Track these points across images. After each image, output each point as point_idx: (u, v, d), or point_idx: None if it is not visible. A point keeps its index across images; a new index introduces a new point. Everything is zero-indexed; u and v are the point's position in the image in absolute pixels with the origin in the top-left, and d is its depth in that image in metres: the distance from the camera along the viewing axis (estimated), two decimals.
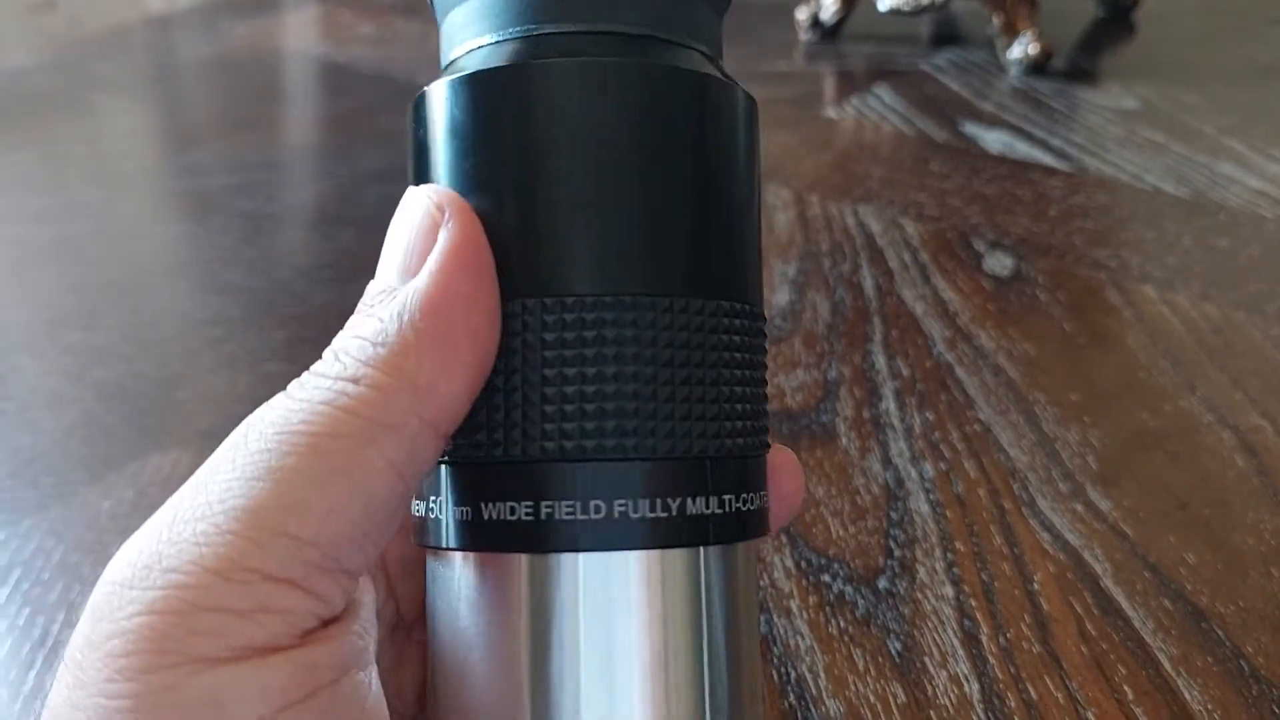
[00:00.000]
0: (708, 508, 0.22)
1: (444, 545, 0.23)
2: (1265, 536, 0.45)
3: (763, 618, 0.42)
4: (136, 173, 0.90)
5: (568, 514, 0.22)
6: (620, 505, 0.22)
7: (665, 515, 0.22)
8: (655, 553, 0.22)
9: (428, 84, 0.23)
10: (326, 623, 0.20)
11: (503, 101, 0.22)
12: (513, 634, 0.22)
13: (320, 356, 0.22)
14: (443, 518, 0.23)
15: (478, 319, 0.21)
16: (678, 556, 0.22)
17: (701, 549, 0.23)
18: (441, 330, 0.21)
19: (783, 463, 0.27)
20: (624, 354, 0.21)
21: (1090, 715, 0.37)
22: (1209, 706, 0.37)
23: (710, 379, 0.22)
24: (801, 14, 1.10)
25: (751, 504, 0.24)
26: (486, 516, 0.22)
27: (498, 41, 0.23)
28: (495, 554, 0.22)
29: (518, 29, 0.23)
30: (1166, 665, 0.39)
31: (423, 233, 0.22)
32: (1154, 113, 0.88)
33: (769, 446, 0.25)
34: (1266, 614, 0.41)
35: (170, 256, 0.75)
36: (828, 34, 1.09)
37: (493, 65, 0.22)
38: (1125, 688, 0.38)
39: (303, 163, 0.90)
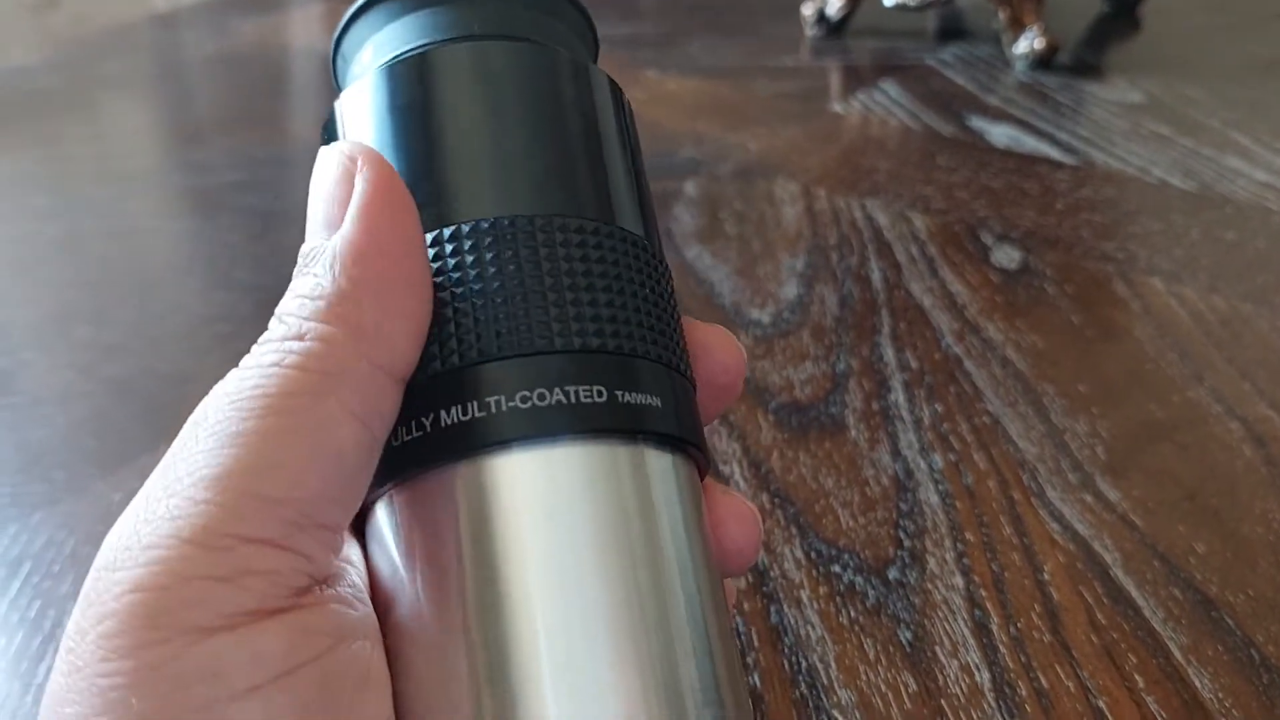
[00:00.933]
0: (638, 399, 0.23)
1: (380, 485, 0.22)
2: (1274, 526, 0.45)
3: (773, 608, 0.42)
4: (143, 170, 0.90)
5: (496, 407, 0.21)
6: (549, 393, 0.22)
7: (597, 400, 0.22)
8: (597, 446, 0.22)
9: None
10: (317, 585, 0.20)
11: (404, 83, 0.25)
12: (452, 553, 0.21)
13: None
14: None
15: (408, 256, 0.22)
16: (620, 451, 0.22)
17: (645, 449, 0.23)
18: (375, 272, 0.21)
19: (718, 340, 0.27)
20: (528, 262, 0.23)
21: (1101, 704, 0.38)
22: (1220, 695, 0.38)
23: (604, 286, 0.23)
24: (807, 9, 1.10)
25: (688, 424, 0.24)
26: (410, 434, 0.22)
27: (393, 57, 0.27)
28: (426, 477, 0.22)
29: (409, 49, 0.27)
30: (1177, 654, 0.39)
31: (340, 183, 0.22)
32: (1160, 107, 0.88)
33: (691, 381, 0.26)
34: (1276, 603, 0.41)
35: (178, 253, 0.75)
36: (833, 29, 1.09)
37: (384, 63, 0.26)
38: (1136, 676, 0.38)
39: (309, 159, 0.89)
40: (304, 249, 0.22)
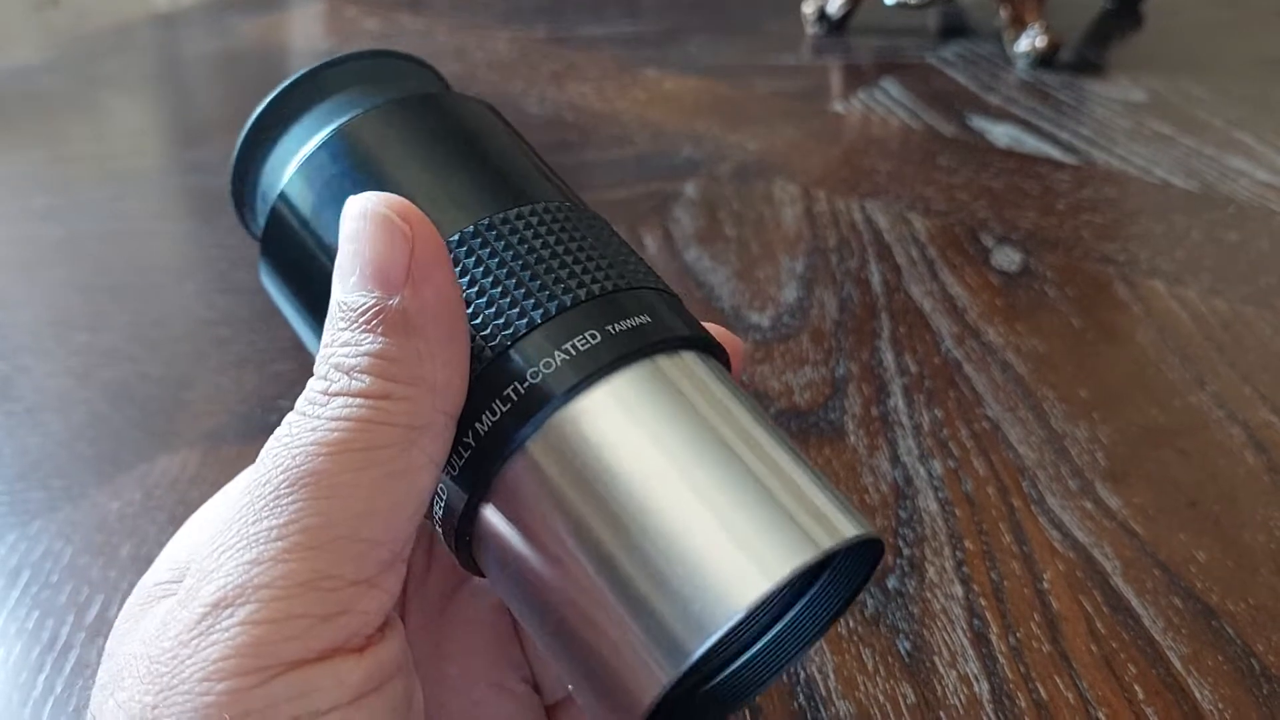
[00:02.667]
0: (651, 319, 0.25)
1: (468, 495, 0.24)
2: (1275, 533, 0.44)
3: None
4: (142, 171, 0.90)
5: (545, 368, 0.23)
6: (573, 344, 0.24)
7: (620, 331, 0.24)
8: (640, 365, 0.24)
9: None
10: (390, 619, 0.23)
11: (349, 148, 0.29)
12: (580, 507, 0.23)
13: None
14: (454, 491, 0.24)
15: (461, 312, 0.24)
16: (661, 360, 0.24)
17: (678, 354, 0.25)
18: (444, 332, 0.23)
19: (714, 333, 0.28)
20: (515, 252, 0.25)
21: (1101, 715, 0.37)
22: (1219, 706, 0.37)
23: (575, 248, 0.26)
24: (808, 8, 1.09)
25: (695, 328, 0.26)
26: (480, 433, 0.24)
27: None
28: (511, 464, 0.23)
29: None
30: (1177, 664, 0.39)
31: (392, 242, 0.23)
32: (1162, 105, 0.87)
33: (674, 294, 0.27)
34: (1276, 612, 0.41)
35: (177, 256, 0.75)
36: (834, 27, 1.09)
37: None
38: (1135, 687, 0.38)
39: None
40: (353, 301, 0.23)
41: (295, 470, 0.21)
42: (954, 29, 1.09)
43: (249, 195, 0.32)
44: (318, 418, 0.22)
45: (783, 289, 0.64)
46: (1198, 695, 0.38)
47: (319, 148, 0.28)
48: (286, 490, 0.21)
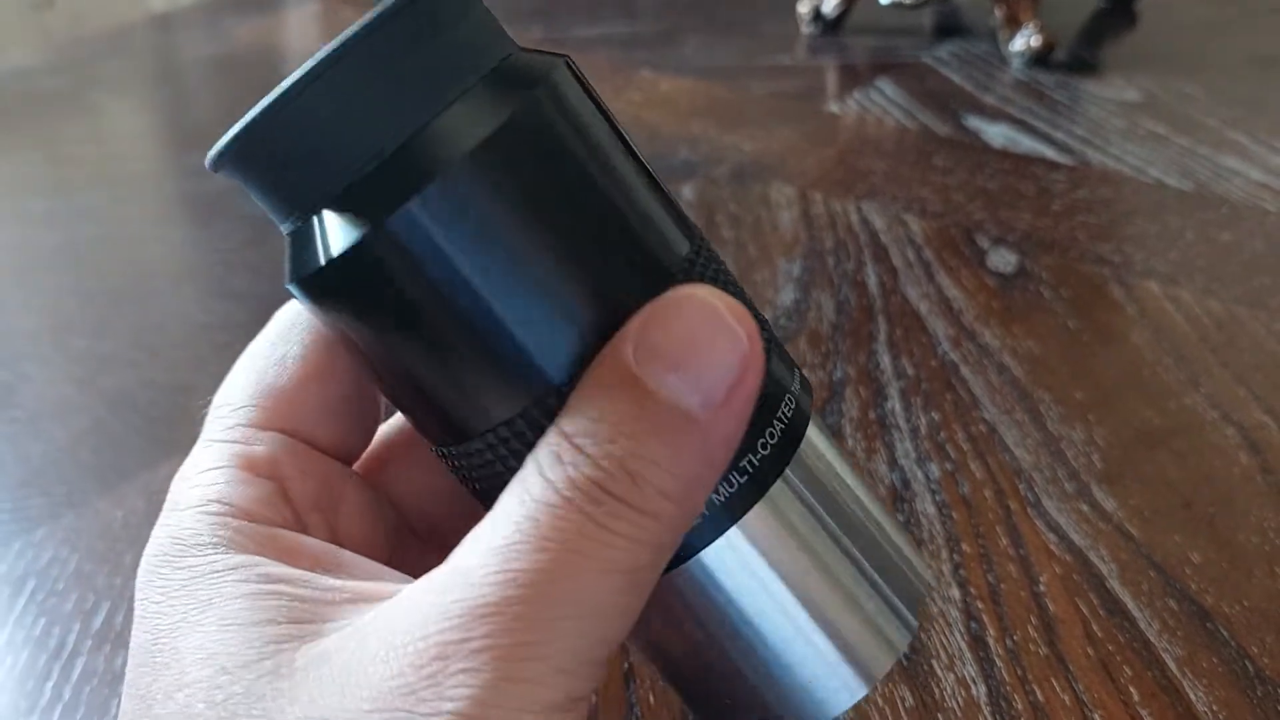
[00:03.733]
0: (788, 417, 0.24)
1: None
2: (1269, 535, 0.45)
3: None
4: (140, 175, 0.91)
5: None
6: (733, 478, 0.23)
7: (763, 454, 0.24)
8: (750, 517, 0.24)
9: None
10: None
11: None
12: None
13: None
14: None
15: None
16: (788, 471, 0.24)
17: (803, 440, 0.25)
18: (725, 461, 0.21)
19: None
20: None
21: (1097, 717, 0.38)
22: (1214, 708, 0.38)
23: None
24: (803, 7, 1.10)
25: (807, 388, 0.26)
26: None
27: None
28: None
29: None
30: (1172, 666, 0.39)
31: (734, 362, 0.20)
32: (1156, 105, 0.88)
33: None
34: (1271, 614, 0.41)
35: (176, 261, 0.76)
36: (829, 27, 1.09)
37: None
38: (1131, 689, 0.39)
39: None
40: (669, 396, 0.20)
41: (558, 581, 0.19)
42: (949, 28, 1.10)
43: (283, 176, 0.22)
44: (589, 519, 0.20)
45: (780, 292, 0.65)
46: (1193, 697, 0.38)
47: (477, 164, 0.20)
48: (547, 606, 0.19)
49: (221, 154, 0.21)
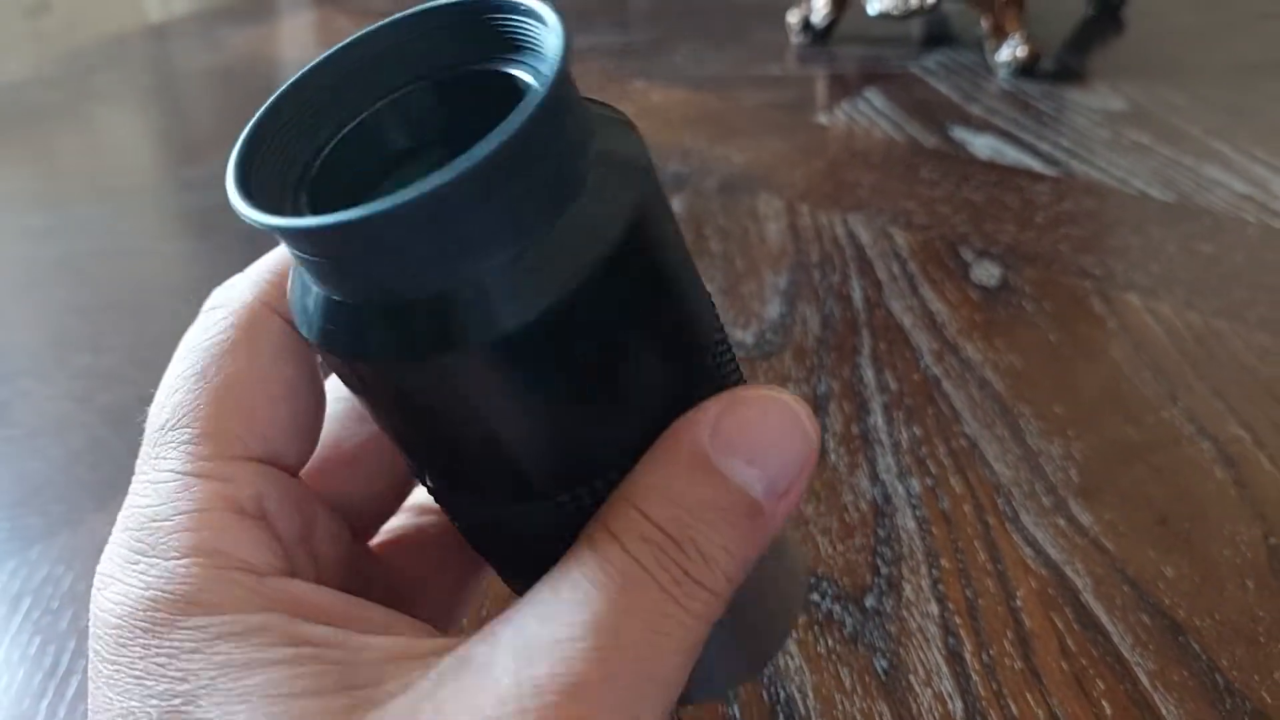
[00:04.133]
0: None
1: None
2: (1241, 549, 0.46)
3: None
4: (137, 189, 0.91)
5: None
6: None
7: None
8: None
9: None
10: None
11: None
12: None
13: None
14: None
15: None
16: None
17: None
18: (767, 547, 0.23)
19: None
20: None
21: None
22: None
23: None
24: (793, 17, 1.11)
25: None
26: None
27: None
28: None
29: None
30: (1144, 680, 0.40)
31: (803, 461, 0.22)
32: (1141, 114, 0.89)
33: None
34: (1241, 626, 0.42)
35: (173, 276, 0.76)
36: (819, 37, 1.10)
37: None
38: (1104, 703, 0.40)
39: None
40: (742, 484, 0.22)
41: (645, 661, 0.20)
42: (937, 37, 1.10)
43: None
44: (672, 599, 0.21)
45: (766, 305, 0.65)
46: (1163, 710, 0.39)
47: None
48: (638, 684, 0.20)
49: (335, 231, 0.19)
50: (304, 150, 0.23)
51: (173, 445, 0.24)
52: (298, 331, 0.23)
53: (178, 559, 0.22)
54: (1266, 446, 0.51)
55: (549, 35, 0.21)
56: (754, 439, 0.22)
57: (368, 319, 0.20)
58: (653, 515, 0.21)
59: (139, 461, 0.24)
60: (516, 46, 0.22)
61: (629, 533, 0.21)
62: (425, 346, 0.20)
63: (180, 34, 1.35)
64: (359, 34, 0.23)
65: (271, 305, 0.25)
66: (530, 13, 0.21)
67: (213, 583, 0.22)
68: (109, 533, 0.51)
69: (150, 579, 0.22)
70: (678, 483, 0.21)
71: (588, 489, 0.22)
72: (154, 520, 0.23)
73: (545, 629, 0.20)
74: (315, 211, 0.21)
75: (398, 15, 0.23)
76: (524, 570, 0.24)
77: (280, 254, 0.26)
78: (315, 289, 0.21)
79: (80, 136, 1.04)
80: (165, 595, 0.21)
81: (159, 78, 1.23)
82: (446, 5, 0.23)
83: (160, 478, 0.23)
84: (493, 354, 0.20)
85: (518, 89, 0.22)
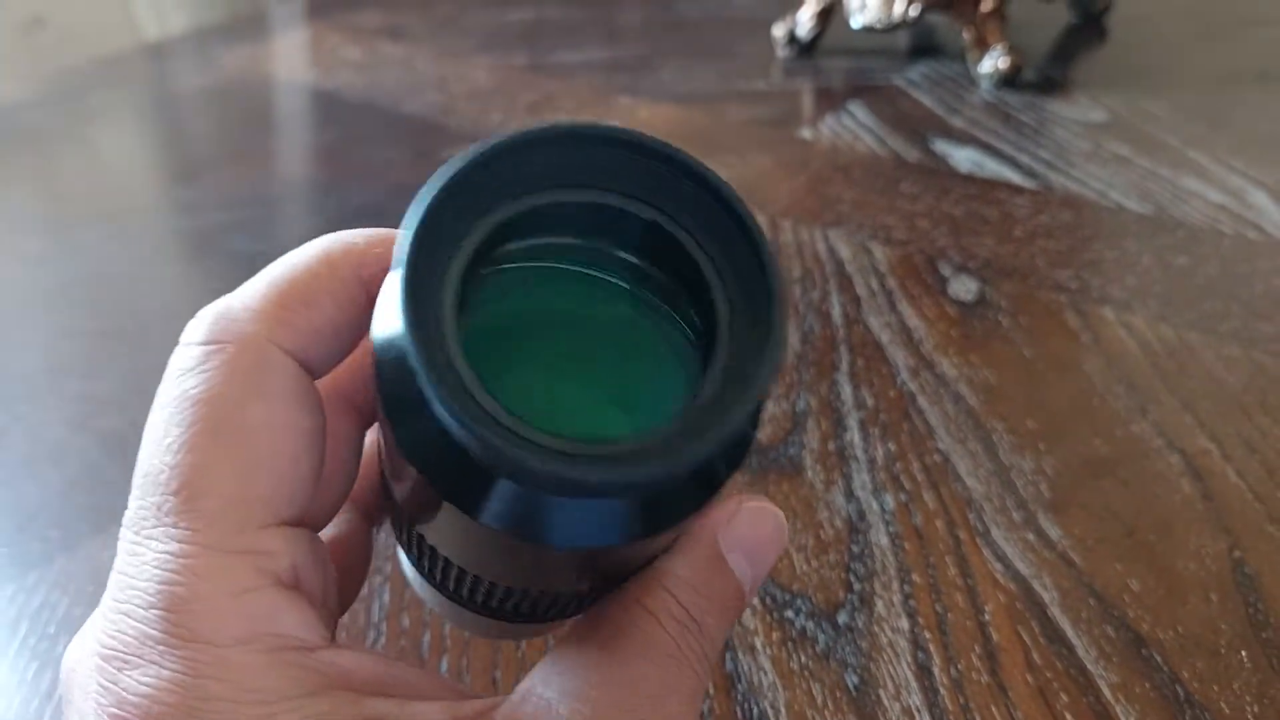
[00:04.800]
0: None
1: None
2: (1206, 562, 0.47)
3: (727, 655, 0.44)
4: (132, 211, 0.93)
5: None
6: None
7: None
8: None
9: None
10: None
11: None
12: None
13: None
14: None
15: None
16: None
17: None
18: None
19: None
20: None
21: None
22: None
23: None
24: (778, 30, 1.12)
25: None
26: None
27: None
28: None
29: None
30: (1106, 693, 0.42)
31: (776, 560, 0.27)
32: (1121, 125, 0.90)
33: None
34: (1203, 639, 0.43)
35: (167, 299, 0.78)
36: (804, 50, 1.11)
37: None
38: (1067, 715, 0.41)
39: (292, 198, 0.93)
40: (741, 575, 0.26)
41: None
42: (924, 47, 1.12)
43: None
44: (693, 671, 0.25)
45: None
46: None
47: None
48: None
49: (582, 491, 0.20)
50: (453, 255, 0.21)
51: (196, 514, 0.22)
52: (304, 368, 0.24)
53: (230, 645, 0.21)
54: (1233, 460, 0.52)
55: (761, 293, 0.21)
56: (754, 543, 0.26)
57: (520, 503, 0.21)
58: (681, 599, 0.25)
59: (140, 521, 0.22)
60: (716, 240, 0.22)
61: (663, 612, 0.25)
62: (560, 542, 0.21)
63: (175, 53, 1.36)
64: (536, 131, 0.21)
65: (279, 343, 0.24)
66: (753, 242, 0.22)
67: (270, 668, 0.21)
68: (106, 558, 0.52)
69: (200, 665, 0.21)
70: (700, 574, 0.25)
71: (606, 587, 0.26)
72: (190, 602, 0.21)
73: (606, 694, 0.23)
74: (471, 354, 0.20)
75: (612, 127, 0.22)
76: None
77: (283, 274, 0.25)
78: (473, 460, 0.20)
79: (76, 159, 1.05)
80: (221, 683, 0.21)
81: (154, 97, 1.24)
82: (682, 160, 0.22)
83: (187, 551, 0.22)
84: (610, 550, 0.22)
85: (702, 281, 0.22)
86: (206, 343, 0.23)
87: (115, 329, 0.73)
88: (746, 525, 0.26)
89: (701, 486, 0.22)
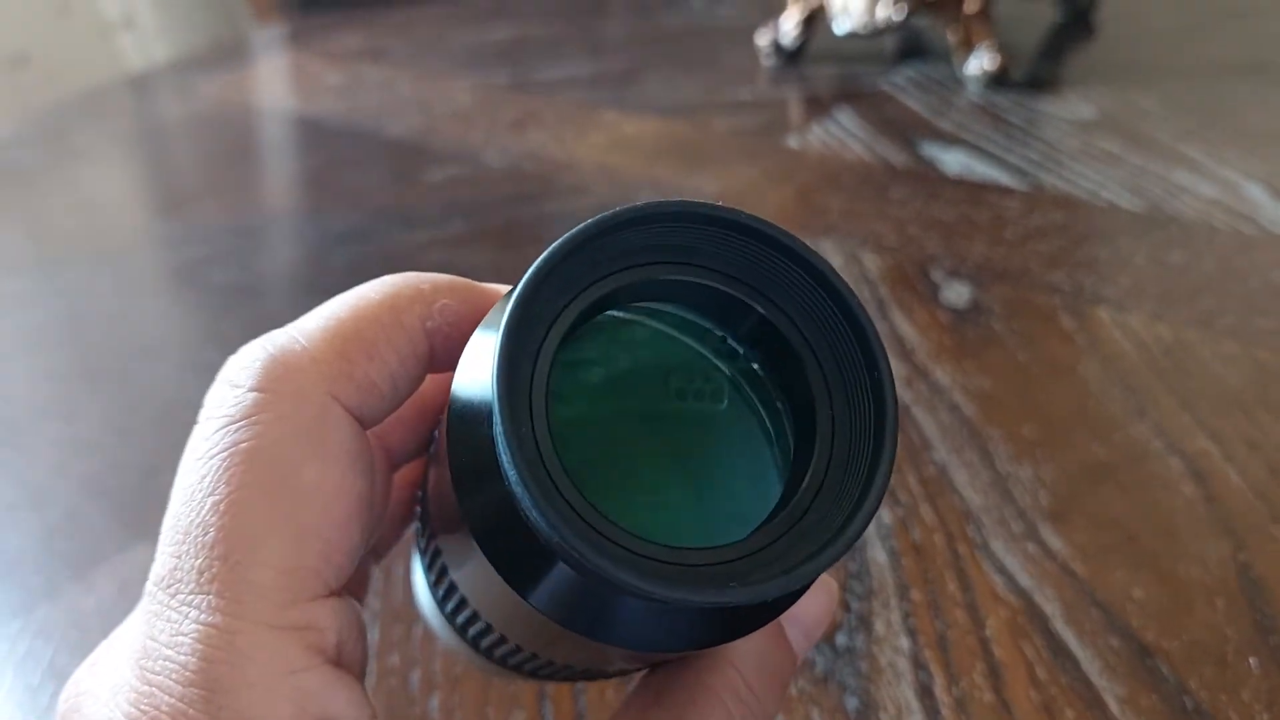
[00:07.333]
0: None
1: None
2: (1210, 567, 0.46)
3: None
4: (116, 248, 0.92)
5: None
6: None
7: None
8: None
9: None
10: None
11: None
12: None
13: None
14: None
15: None
16: None
17: None
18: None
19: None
20: None
21: None
22: None
23: None
24: (762, 40, 1.11)
25: None
26: None
27: None
28: None
29: None
30: (1113, 706, 0.40)
31: (828, 620, 0.28)
32: (1111, 122, 0.89)
33: None
34: (1210, 647, 0.42)
35: (148, 337, 0.77)
36: (790, 58, 1.10)
37: None
38: None
39: (273, 228, 0.92)
40: (799, 649, 0.27)
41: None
42: (911, 50, 1.11)
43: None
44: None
45: None
46: None
47: None
48: None
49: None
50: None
51: (244, 586, 0.20)
52: (360, 423, 0.23)
53: None
54: (1235, 459, 0.51)
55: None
56: (813, 618, 0.27)
57: (582, 599, 0.20)
58: (746, 676, 0.25)
59: (177, 583, 0.21)
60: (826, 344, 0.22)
61: (728, 690, 0.25)
62: (620, 643, 0.20)
63: (157, 84, 1.36)
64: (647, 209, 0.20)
65: (339, 397, 0.22)
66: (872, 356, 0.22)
67: None
68: (84, 603, 0.51)
69: None
70: (764, 650, 0.26)
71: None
72: (236, 684, 0.20)
73: None
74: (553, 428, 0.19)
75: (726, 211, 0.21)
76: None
77: (347, 319, 0.23)
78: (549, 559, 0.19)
79: (58, 196, 1.05)
80: None
81: (137, 130, 1.24)
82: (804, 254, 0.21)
83: (232, 626, 0.20)
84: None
85: (807, 389, 0.22)
86: (260, 390, 0.22)
87: (94, 369, 0.72)
88: (809, 600, 0.26)
89: (784, 601, 0.22)
